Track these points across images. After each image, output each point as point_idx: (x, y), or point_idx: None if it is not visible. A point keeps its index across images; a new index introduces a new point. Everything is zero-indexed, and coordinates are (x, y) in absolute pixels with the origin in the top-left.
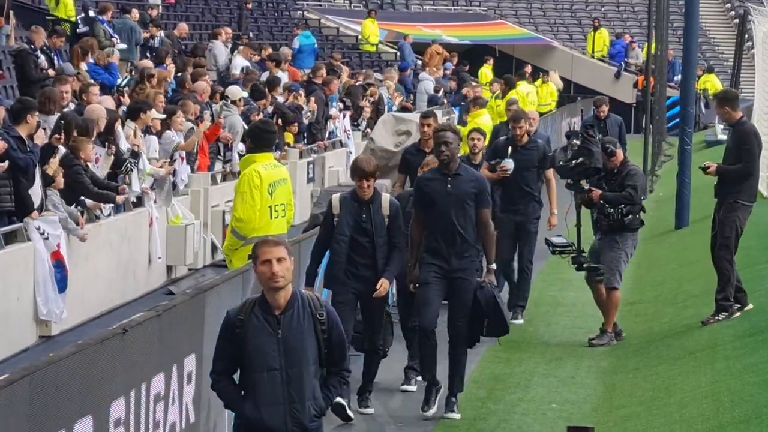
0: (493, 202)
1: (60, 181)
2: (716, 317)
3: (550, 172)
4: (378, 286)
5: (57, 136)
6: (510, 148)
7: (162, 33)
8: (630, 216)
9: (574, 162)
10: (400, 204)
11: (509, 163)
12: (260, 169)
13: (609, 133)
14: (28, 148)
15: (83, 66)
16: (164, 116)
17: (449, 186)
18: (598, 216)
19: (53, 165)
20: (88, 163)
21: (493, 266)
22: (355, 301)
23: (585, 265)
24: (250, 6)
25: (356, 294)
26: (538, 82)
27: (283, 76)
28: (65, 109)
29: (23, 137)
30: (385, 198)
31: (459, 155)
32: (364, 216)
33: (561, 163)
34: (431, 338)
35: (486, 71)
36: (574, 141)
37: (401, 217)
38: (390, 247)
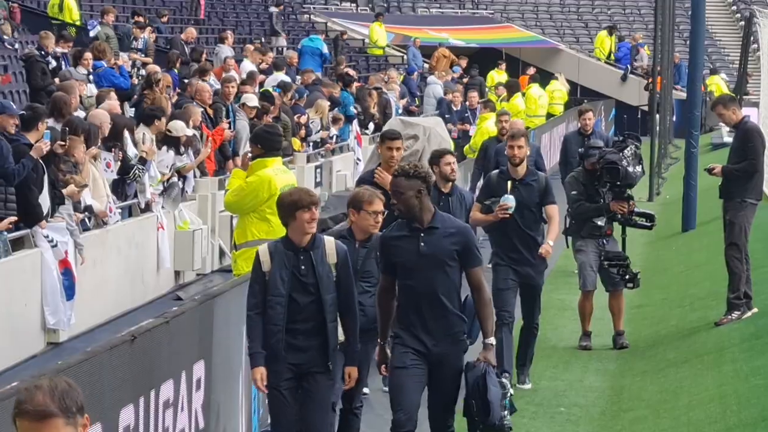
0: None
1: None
2: (729, 316)
3: (554, 208)
4: (345, 378)
5: (61, 142)
6: (509, 183)
7: (146, 35)
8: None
9: (641, 168)
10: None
11: (510, 201)
12: (274, 178)
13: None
14: (29, 156)
15: (91, 70)
16: (192, 132)
17: (422, 245)
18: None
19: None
20: (80, 165)
21: (492, 341)
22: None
23: (637, 278)
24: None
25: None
26: (554, 83)
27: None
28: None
29: (33, 144)
30: (329, 242)
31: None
32: (303, 268)
33: (635, 175)
34: None
35: (494, 74)
36: (633, 149)
37: (351, 266)
38: (343, 309)
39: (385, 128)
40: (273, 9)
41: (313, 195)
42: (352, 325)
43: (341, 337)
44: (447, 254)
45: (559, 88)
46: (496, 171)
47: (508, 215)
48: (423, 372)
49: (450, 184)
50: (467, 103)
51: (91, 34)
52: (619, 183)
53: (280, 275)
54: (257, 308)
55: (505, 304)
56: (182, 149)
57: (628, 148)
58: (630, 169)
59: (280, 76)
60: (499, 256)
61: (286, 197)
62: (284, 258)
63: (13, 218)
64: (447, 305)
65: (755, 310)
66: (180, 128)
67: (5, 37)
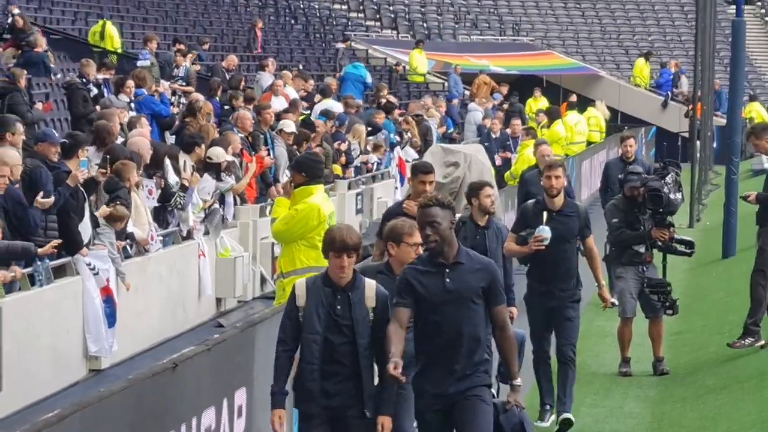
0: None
1: (105, 210)
2: (743, 341)
3: (591, 241)
4: (378, 429)
5: (102, 170)
6: (545, 214)
7: (187, 62)
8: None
9: (681, 195)
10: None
11: (546, 232)
12: (319, 201)
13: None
14: (67, 185)
15: (132, 98)
16: (231, 159)
17: (448, 281)
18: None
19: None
20: (134, 189)
21: (519, 382)
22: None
23: (676, 304)
24: (260, 26)
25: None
26: (590, 110)
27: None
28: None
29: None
30: (370, 286)
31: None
32: (339, 308)
33: (677, 202)
34: None
35: (532, 103)
36: (674, 176)
37: (388, 312)
38: (379, 354)
39: (426, 155)
40: (340, 45)
41: (348, 240)
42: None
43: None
44: (473, 291)
45: (594, 115)
46: (532, 201)
47: (543, 247)
48: (445, 422)
49: (487, 217)
50: (509, 130)
51: (140, 64)
52: (661, 210)
53: (317, 312)
54: (286, 345)
55: (539, 340)
56: (223, 175)
57: (670, 176)
58: (672, 196)
59: (330, 103)
60: (533, 288)
61: (328, 233)
62: (322, 295)
63: (57, 241)
64: (473, 343)
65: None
66: (219, 155)
67: (52, 66)
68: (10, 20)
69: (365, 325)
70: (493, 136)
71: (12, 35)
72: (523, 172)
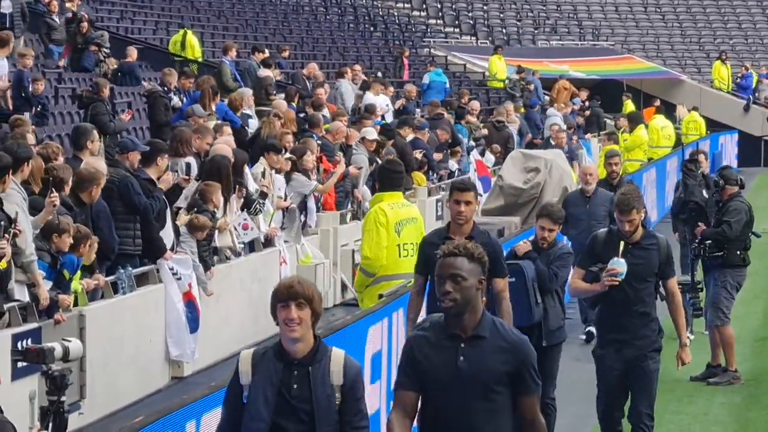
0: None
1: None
2: None
3: (674, 283)
4: None
5: (185, 177)
6: (621, 245)
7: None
8: (722, 252)
9: (679, 197)
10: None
11: (621, 266)
12: (386, 207)
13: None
14: (153, 191)
15: (213, 107)
16: (293, 156)
17: (461, 359)
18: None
19: (182, 220)
20: (217, 209)
21: None
22: None
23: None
24: (407, 54)
25: None
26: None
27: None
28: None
29: (153, 179)
30: (337, 356)
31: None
32: (295, 387)
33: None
34: None
35: (629, 102)
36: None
37: (363, 392)
38: None
39: (506, 161)
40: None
41: (296, 287)
42: None
43: None
44: (493, 376)
45: (696, 119)
46: (604, 230)
47: (616, 282)
48: None
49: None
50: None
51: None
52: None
53: (264, 394)
54: None
55: (610, 408)
56: (296, 175)
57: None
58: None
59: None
60: (602, 338)
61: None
62: (272, 370)
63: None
64: None
65: None
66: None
67: (144, 82)
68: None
69: (330, 410)
70: (558, 147)
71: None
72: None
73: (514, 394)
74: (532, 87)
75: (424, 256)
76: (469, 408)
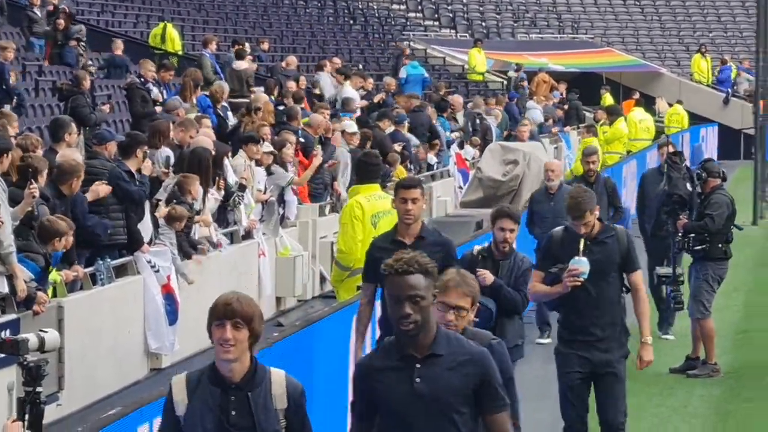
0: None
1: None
2: None
3: (638, 277)
4: None
5: (164, 170)
6: (582, 242)
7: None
8: (704, 245)
9: (663, 189)
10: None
11: (584, 265)
12: (362, 200)
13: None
14: (139, 182)
15: (194, 99)
16: (273, 149)
17: (417, 381)
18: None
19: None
20: (195, 201)
21: None
22: None
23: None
24: (406, 52)
25: None
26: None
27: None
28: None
29: (132, 171)
30: (278, 378)
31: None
32: (233, 413)
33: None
34: None
35: (608, 95)
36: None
37: (306, 411)
38: None
39: (485, 153)
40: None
41: (234, 305)
42: None
43: None
44: (455, 394)
45: (679, 112)
46: (560, 229)
47: (579, 282)
48: None
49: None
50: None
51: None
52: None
53: (202, 424)
54: None
55: (574, 410)
56: (275, 168)
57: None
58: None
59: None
60: (565, 338)
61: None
62: (208, 397)
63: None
64: None
65: None
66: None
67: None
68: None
69: None
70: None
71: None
72: (571, 181)
73: (481, 413)
74: (525, 84)
75: (374, 262)
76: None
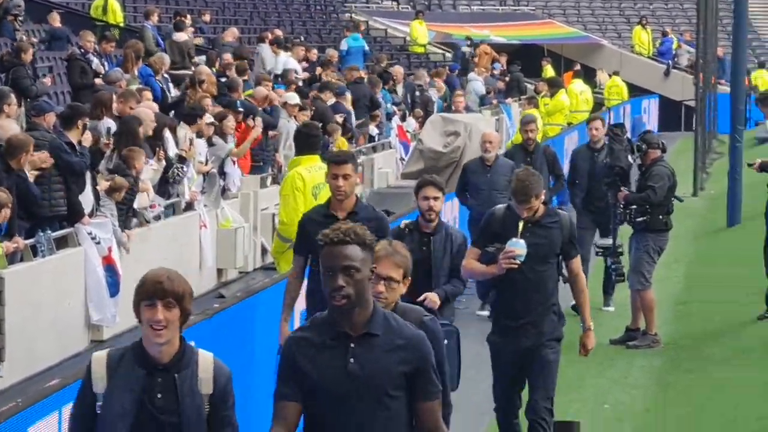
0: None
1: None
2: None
3: (577, 263)
4: None
5: (106, 141)
6: (520, 224)
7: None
8: (645, 217)
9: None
10: None
11: (521, 247)
12: (303, 171)
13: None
14: (80, 153)
15: (136, 71)
16: (213, 120)
17: (351, 361)
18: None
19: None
20: (139, 174)
21: None
22: None
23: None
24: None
25: None
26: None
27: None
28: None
29: (73, 143)
30: (205, 360)
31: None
32: (159, 396)
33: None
34: None
35: (549, 67)
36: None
37: (233, 399)
38: None
39: (426, 125)
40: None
41: (165, 283)
42: None
43: None
44: (390, 378)
45: (618, 84)
46: (502, 207)
47: (515, 265)
48: None
49: (435, 222)
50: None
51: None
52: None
53: (122, 404)
54: None
55: (506, 395)
56: (215, 139)
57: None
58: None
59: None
60: (499, 324)
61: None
62: (131, 377)
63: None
64: None
65: None
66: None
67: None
68: None
69: (199, 422)
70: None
71: None
72: (509, 150)
73: (413, 400)
74: (476, 60)
75: (305, 234)
76: (362, 418)
